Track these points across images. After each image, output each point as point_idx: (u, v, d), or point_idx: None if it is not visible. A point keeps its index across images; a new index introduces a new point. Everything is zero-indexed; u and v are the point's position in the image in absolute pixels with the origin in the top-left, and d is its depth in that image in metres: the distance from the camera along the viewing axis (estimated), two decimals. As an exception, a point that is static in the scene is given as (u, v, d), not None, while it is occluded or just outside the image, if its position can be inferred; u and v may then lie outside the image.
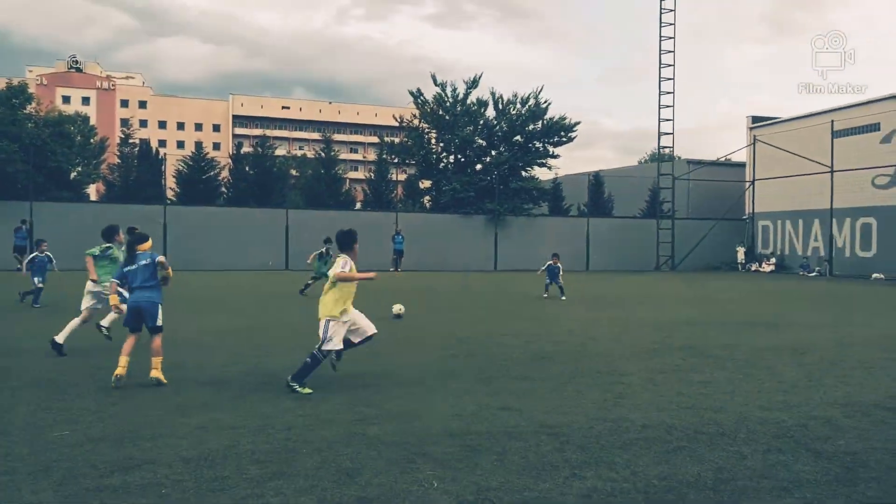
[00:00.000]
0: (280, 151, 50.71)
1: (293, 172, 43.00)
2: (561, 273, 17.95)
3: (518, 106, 35.52)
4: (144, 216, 27.65)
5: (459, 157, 36.32)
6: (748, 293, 21.46)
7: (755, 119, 37.37)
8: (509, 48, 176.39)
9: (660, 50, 35.40)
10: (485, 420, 5.82)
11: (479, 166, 36.26)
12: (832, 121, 31.35)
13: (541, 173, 37.78)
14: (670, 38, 35.29)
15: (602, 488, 4.30)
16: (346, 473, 4.48)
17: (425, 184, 38.78)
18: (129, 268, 7.26)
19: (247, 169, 37.08)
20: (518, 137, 35.70)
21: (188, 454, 4.77)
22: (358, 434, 5.33)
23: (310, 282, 17.69)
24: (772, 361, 8.92)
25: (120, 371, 6.82)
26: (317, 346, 6.83)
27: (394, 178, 39.64)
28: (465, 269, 30.30)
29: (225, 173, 37.79)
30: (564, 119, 35.71)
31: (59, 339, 8.48)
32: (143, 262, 7.23)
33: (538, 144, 36.08)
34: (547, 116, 35.61)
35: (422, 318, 13.38)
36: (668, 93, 35.61)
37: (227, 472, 4.45)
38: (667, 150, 38.04)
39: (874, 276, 28.72)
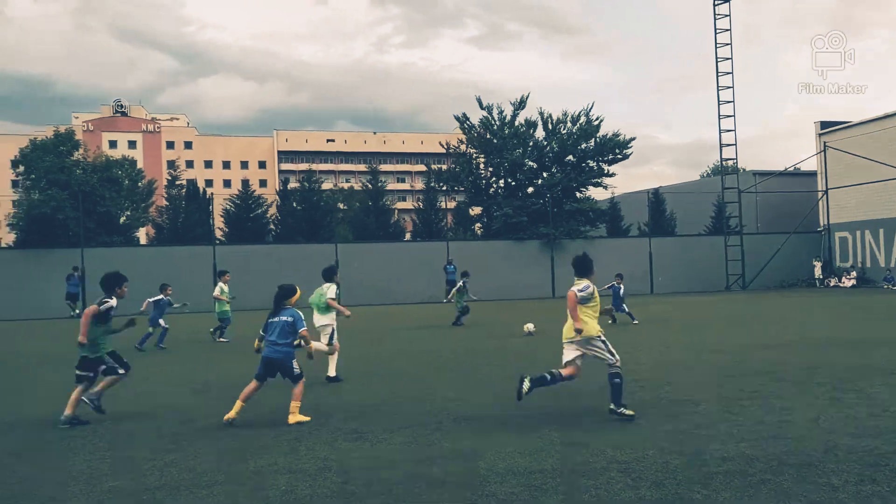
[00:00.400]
0: (327, 185, 50.46)
1: (341, 206, 42.52)
2: (622, 295, 16.87)
3: (568, 125, 34.21)
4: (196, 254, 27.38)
5: (510, 180, 35.08)
6: (828, 310, 19.71)
7: (824, 124, 35.14)
8: (555, 65, 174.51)
9: (716, 57, 33.69)
10: (550, 457, 5.46)
11: (530, 189, 34.95)
12: (910, 121, 29.03)
13: (596, 193, 36.25)
14: (726, 44, 33.56)
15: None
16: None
17: (475, 210, 37.66)
18: (271, 319, 7.19)
19: (294, 205, 36.66)
20: (570, 157, 34.33)
21: (246, 502, 4.62)
22: (419, 475, 5.07)
23: (459, 315, 17.82)
24: (859, 384, 8.08)
25: (231, 415, 6.85)
26: (612, 365, 6.75)
27: (443, 206, 38.67)
28: (521, 297, 28.87)
29: (273, 210, 37.46)
30: (618, 136, 34.21)
31: (332, 372, 9.33)
32: (285, 318, 7.13)
33: (592, 163, 34.61)
34: (599, 134, 34.18)
35: (479, 349, 12.35)
36: (728, 102, 33.78)
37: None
38: (730, 162, 36.02)
39: (976, 286, 26.08)
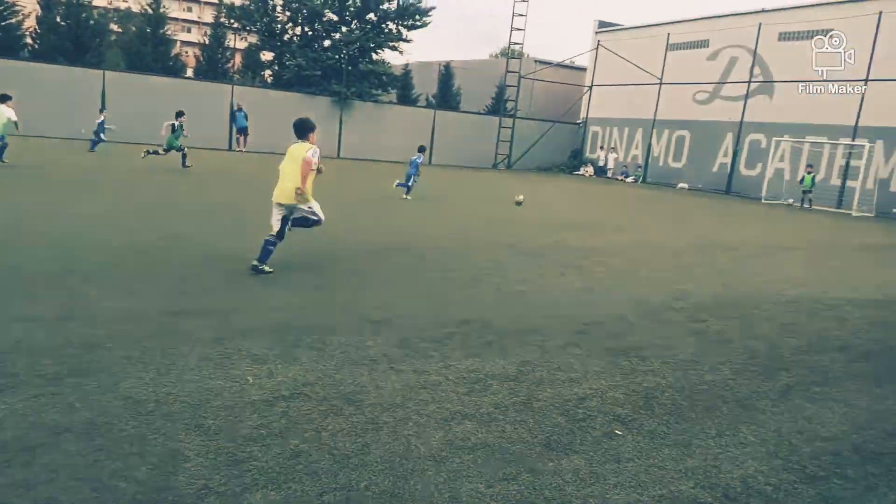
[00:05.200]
0: (100, 1, 44.49)
1: (114, 28, 38.13)
2: (418, 173, 16.25)
3: (372, -19, 33.66)
4: None
5: (307, 29, 34.11)
6: (573, 195, 22.98)
7: (602, 24, 38.46)
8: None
9: (518, -59, 34.78)
10: (309, 315, 5.89)
11: (327, 43, 34.37)
12: (668, 34, 33.12)
13: (391, 58, 36.67)
14: (528, -70, 34.68)
15: (415, 382, 4.54)
16: (157, 370, 4.33)
17: (267, 56, 36.22)
18: None
19: (58, 19, 32.25)
20: (371, 15, 34.10)
21: None
22: (170, 329, 5.18)
23: (161, 152, 17.80)
24: (584, 262, 9.71)
25: None
26: (287, 229, 7.44)
27: (231, 46, 36.54)
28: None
29: (31, 22, 32.61)
30: (420, 2, 34.50)
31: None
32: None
33: (391, 25, 34.75)
34: (402, -3, 34.18)
35: (251, 207, 12.94)
36: (523, -9, 35.42)
37: (18, 369, 4.13)
38: (517, 47, 38.40)
39: (679, 185, 31.80)
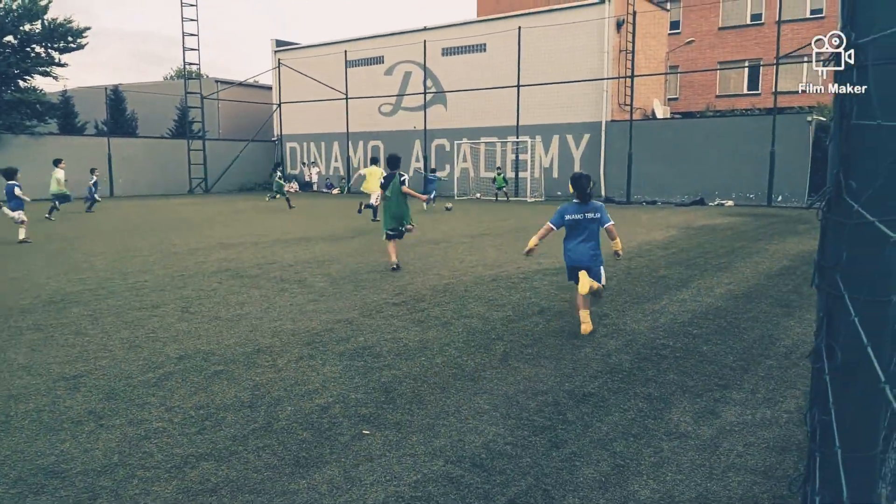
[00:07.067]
0: None
1: None
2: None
3: (7, 0, 29.04)
4: None
5: (-77, 56, 28.14)
6: (281, 213, 22.61)
7: (279, 42, 38.50)
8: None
9: (179, -43, 33.09)
10: None
11: (-44, 71, 28.79)
12: (346, 51, 34.42)
13: (45, 84, 32.16)
14: (190, -55, 33.23)
15: (134, 434, 3.95)
16: None
17: None
18: None
19: None
20: (10, 39, 29.40)
21: None
22: None
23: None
24: (303, 275, 9.55)
25: None
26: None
27: None
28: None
29: None
30: (70, 23, 30.73)
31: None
32: None
33: (39, 50, 30.38)
34: (48, 17, 30.09)
35: None
36: (191, 5, 33.79)
37: None
38: (193, 68, 36.47)
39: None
